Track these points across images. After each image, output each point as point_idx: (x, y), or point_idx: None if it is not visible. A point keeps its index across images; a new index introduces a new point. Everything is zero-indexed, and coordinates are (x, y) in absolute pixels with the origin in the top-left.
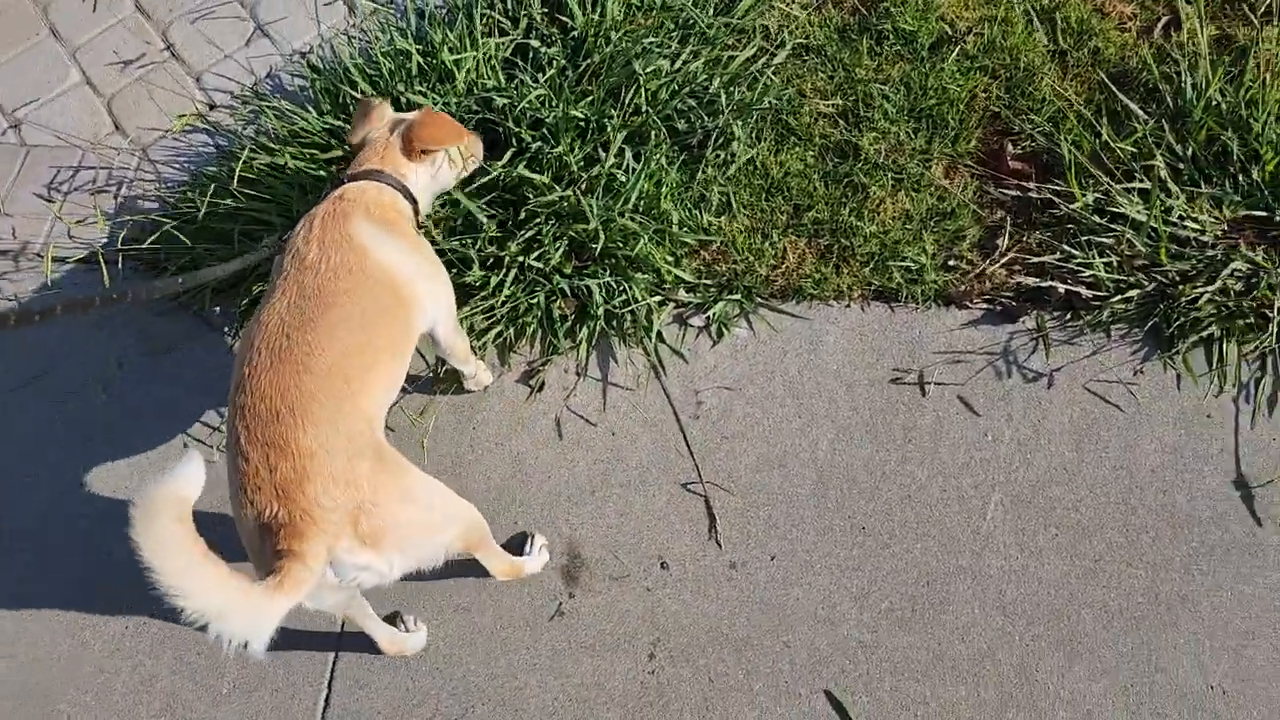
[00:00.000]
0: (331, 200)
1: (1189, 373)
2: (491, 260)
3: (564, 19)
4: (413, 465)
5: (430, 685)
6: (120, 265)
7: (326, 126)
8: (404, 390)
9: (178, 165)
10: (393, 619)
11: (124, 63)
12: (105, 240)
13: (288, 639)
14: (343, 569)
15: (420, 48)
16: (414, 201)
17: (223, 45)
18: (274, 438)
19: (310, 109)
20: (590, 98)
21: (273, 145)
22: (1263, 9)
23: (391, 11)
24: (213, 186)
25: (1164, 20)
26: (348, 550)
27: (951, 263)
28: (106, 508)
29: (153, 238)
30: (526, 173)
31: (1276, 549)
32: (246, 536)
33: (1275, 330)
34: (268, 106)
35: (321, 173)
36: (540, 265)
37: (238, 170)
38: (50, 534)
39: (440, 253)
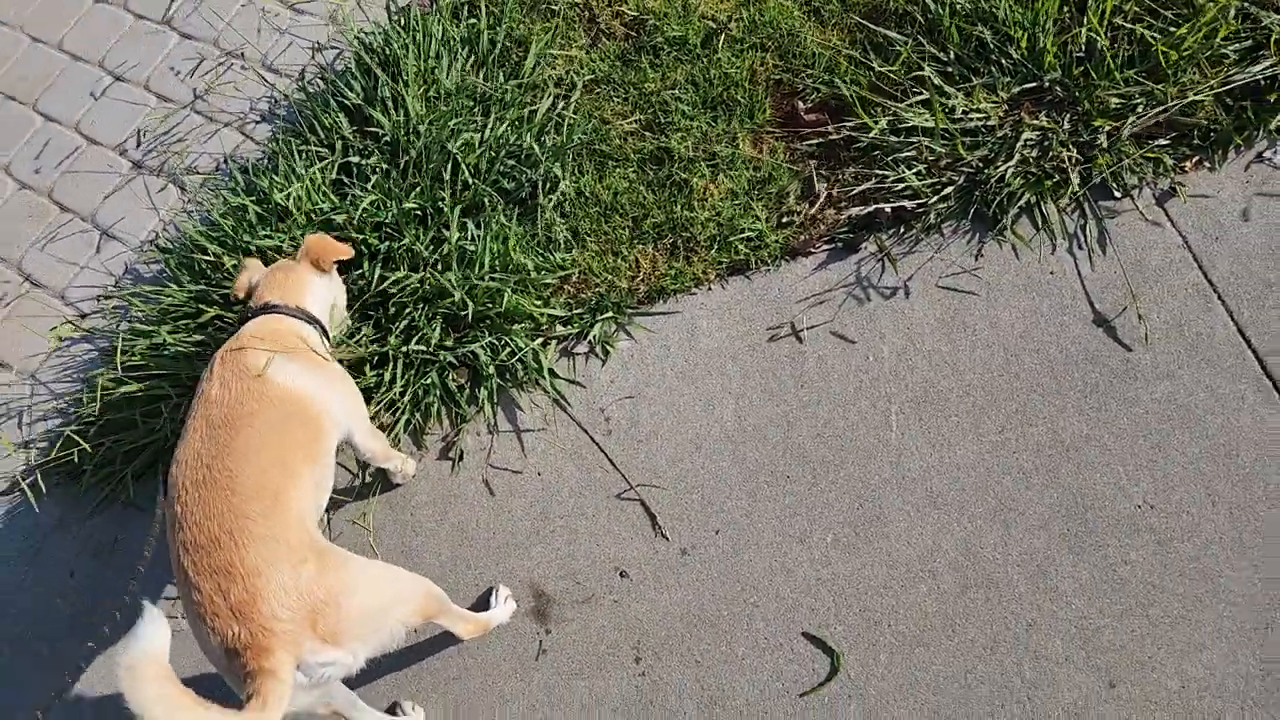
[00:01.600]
0: (231, 339)
1: (1021, 241)
2: (377, 359)
3: (374, 129)
4: (352, 554)
5: None
6: (41, 483)
7: (191, 295)
8: (338, 500)
9: (68, 378)
10: (393, 710)
11: None
12: (23, 468)
13: None
14: (311, 670)
15: (253, 198)
16: (317, 324)
17: (76, 259)
18: (219, 564)
19: (172, 285)
20: (419, 188)
21: (148, 328)
22: None
23: (218, 176)
24: (100, 385)
25: None
26: (312, 652)
27: (785, 220)
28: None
29: (59, 447)
30: (381, 272)
31: (1150, 365)
32: (215, 661)
33: (1078, 178)
34: (131, 295)
35: (198, 337)
36: (423, 348)
37: (119, 362)
38: None
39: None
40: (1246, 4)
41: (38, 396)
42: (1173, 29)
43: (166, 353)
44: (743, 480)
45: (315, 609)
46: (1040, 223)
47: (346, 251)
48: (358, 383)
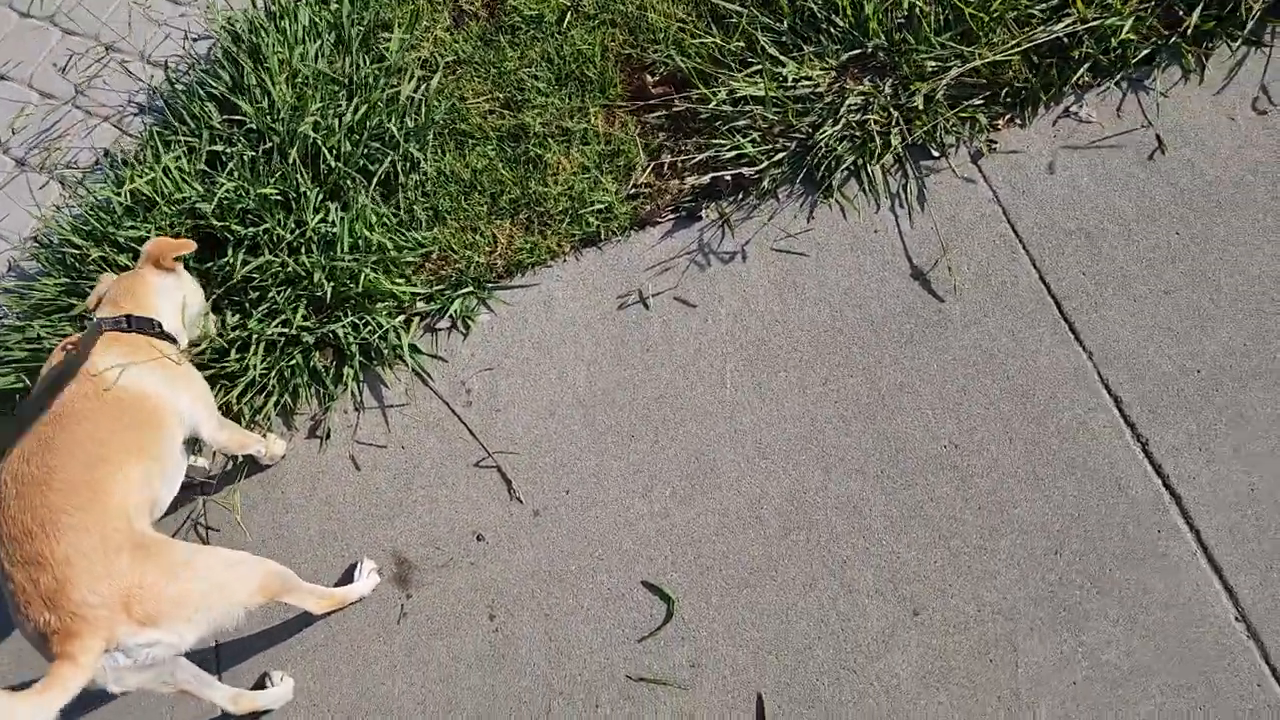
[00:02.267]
0: (73, 339)
1: (848, 202)
2: (240, 342)
3: (240, 118)
4: (183, 544)
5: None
6: None
7: (61, 288)
8: (207, 484)
9: None
10: (261, 681)
11: None
12: None
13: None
14: (132, 651)
15: (118, 191)
16: (159, 330)
17: None
18: (30, 555)
19: (43, 279)
20: (280, 173)
21: (21, 323)
22: None
23: (96, 171)
24: None
25: None
26: (129, 635)
27: (633, 191)
28: None
29: None
30: (245, 257)
31: (960, 315)
32: (34, 646)
33: (898, 140)
34: (3, 290)
35: (68, 329)
36: (285, 330)
37: None
38: None
39: (200, 352)
40: None
41: None
42: None
43: (41, 345)
44: (592, 442)
45: (129, 594)
46: (865, 184)
47: (187, 245)
48: (221, 368)
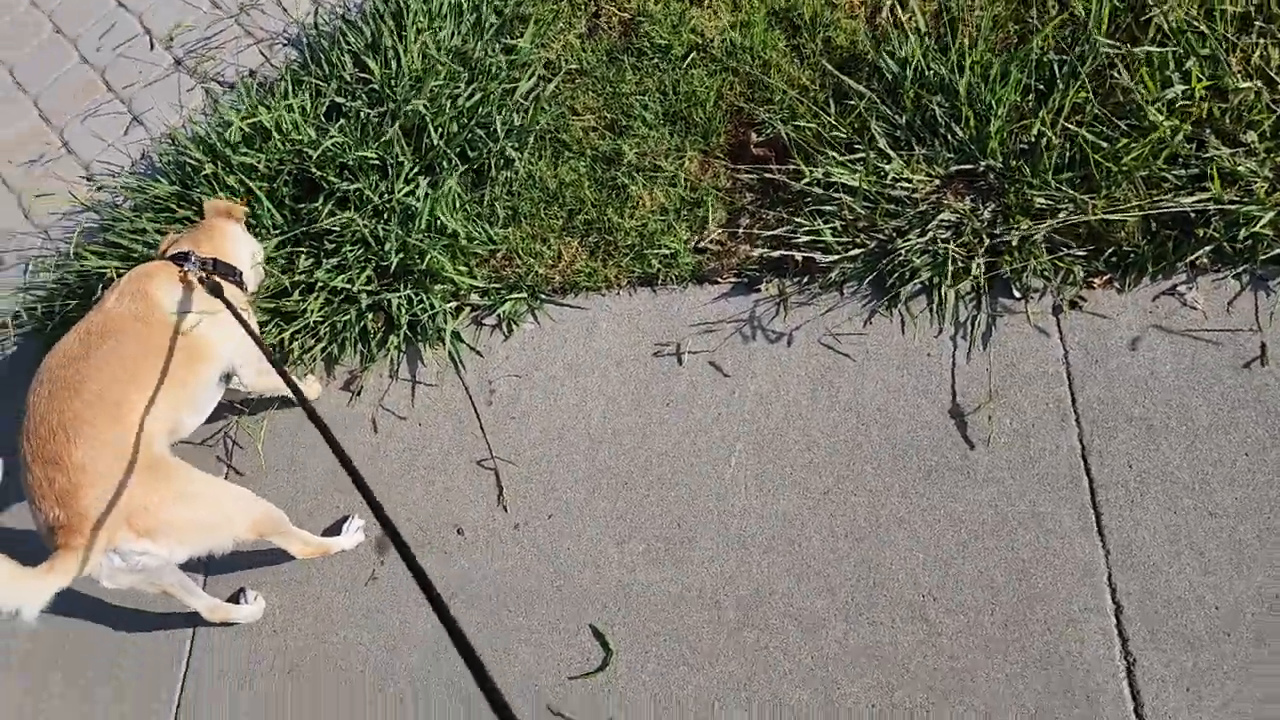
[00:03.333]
0: (145, 265)
1: (910, 317)
2: (304, 286)
3: (367, 76)
4: (193, 473)
5: (269, 645)
6: (26, 325)
7: (173, 192)
8: (240, 410)
9: (72, 241)
10: (236, 596)
11: (29, 162)
12: (15, 310)
13: (156, 621)
14: (126, 556)
15: (241, 116)
16: (239, 277)
17: (106, 137)
18: (51, 455)
19: (163, 180)
20: (385, 139)
21: (133, 215)
22: None
23: (238, 90)
24: (87, 254)
25: (890, 2)
26: (125, 542)
27: (702, 245)
28: None
29: (43, 302)
30: (331, 208)
31: (986, 468)
32: (41, 535)
33: (982, 269)
34: (123, 186)
35: (168, 230)
36: (348, 286)
37: (94, 243)
38: None
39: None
40: (1203, 131)
41: (45, 249)
42: (1119, 141)
43: (144, 239)
44: (587, 476)
45: (133, 508)
46: (934, 304)
47: (243, 206)
48: (281, 305)
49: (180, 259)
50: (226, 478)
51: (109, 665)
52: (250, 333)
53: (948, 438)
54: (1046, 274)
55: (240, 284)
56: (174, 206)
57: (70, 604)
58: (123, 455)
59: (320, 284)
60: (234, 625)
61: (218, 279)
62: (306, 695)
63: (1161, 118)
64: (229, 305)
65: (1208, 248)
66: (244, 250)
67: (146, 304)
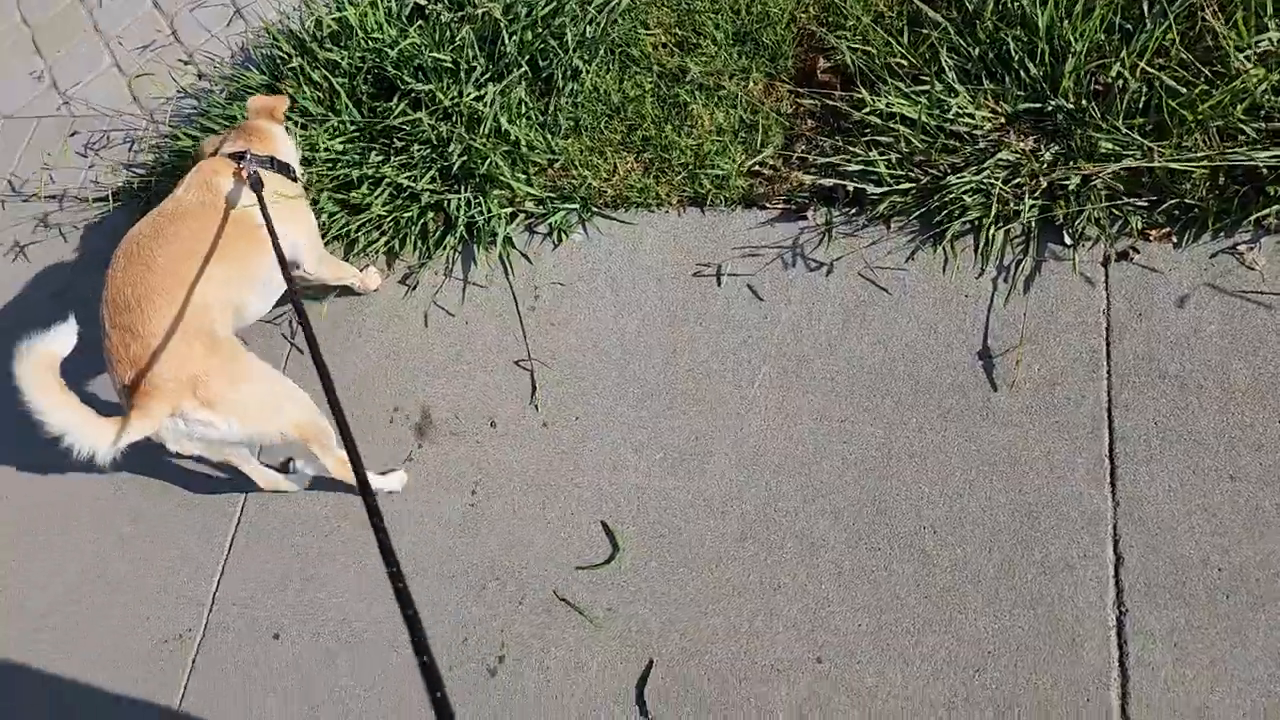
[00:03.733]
0: (212, 160)
1: (954, 256)
2: (371, 181)
3: None
4: (257, 360)
5: (313, 507)
6: (118, 200)
7: (263, 83)
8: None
9: (173, 124)
10: (285, 465)
11: (141, 48)
12: (120, 185)
13: (216, 482)
14: (189, 422)
15: (329, 10)
16: (285, 169)
17: (211, 28)
18: (127, 323)
19: (254, 70)
20: (460, 43)
21: (225, 103)
22: None
23: None
24: (183, 136)
25: None
26: (190, 409)
27: (755, 169)
28: None
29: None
30: (403, 107)
31: (1005, 410)
32: (117, 395)
33: (1035, 212)
34: (220, 76)
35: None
36: (412, 185)
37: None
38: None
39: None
40: None
41: (149, 132)
42: (1198, 86)
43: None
44: (616, 385)
45: (197, 379)
46: (980, 244)
47: (285, 101)
48: (348, 198)
49: (238, 157)
50: (289, 355)
51: (170, 515)
52: (271, 232)
53: (972, 378)
54: (1102, 222)
55: (294, 177)
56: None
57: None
58: (190, 329)
59: (387, 180)
60: (283, 493)
61: (260, 173)
62: (338, 550)
63: (1249, 66)
64: (261, 202)
65: (1278, 206)
66: (286, 147)
67: (212, 194)
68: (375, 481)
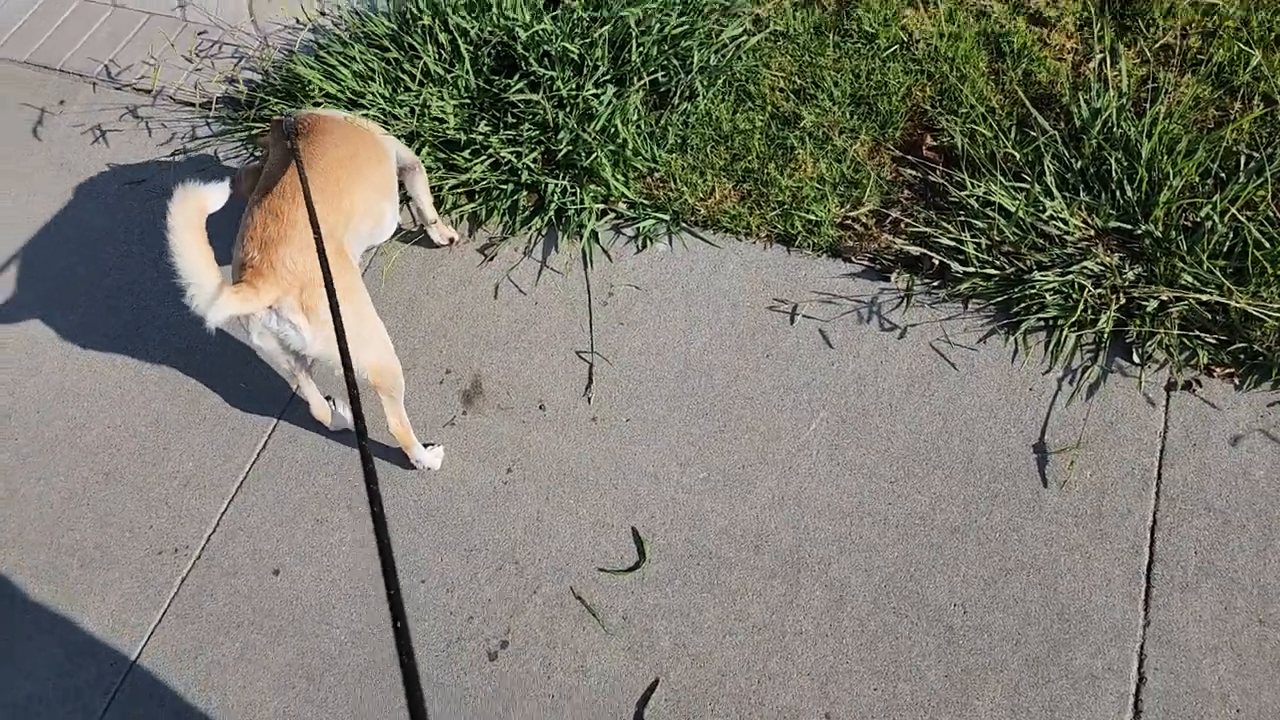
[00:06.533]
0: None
1: (1025, 349)
2: (475, 149)
3: None
4: (365, 291)
5: (340, 450)
6: (212, 110)
7: (388, 31)
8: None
9: (285, 51)
10: (329, 398)
11: None
12: (218, 95)
13: (250, 403)
14: (280, 320)
15: None
16: None
17: None
18: (274, 207)
19: (381, 18)
20: (586, 40)
21: (346, 43)
22: (1191, 59)
23: None
24: (298, 64)
25: (1100, 56)
26: (289, 308)
27: (848, 223)
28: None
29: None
30: (522, 86)
31: (1054, 508)
32: (233, 269)
33: (1109, 325)
34: (349, 12)
35: (376, 63)
36: (513, 160)
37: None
38: (83, 291)
39: (449, 140)
40: None
41: (259, 53)
42: None
43: (352, 66)
44: (672, 396)
45: (310, 281)
46: (1052, 343)
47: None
48: (449, 158)
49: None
50: None
51: (193, 426)
52: (301, 171)
53: (1025, 469)
54: (1171, 348)
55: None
56: (386, 45)
57: (176, 361)
58: (327, 232)
59: (492, 151)
60: (315, 426)
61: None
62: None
63: None
64: (296, 155)
65: None
66: None
67: (342, 119)
68: (416, 453)
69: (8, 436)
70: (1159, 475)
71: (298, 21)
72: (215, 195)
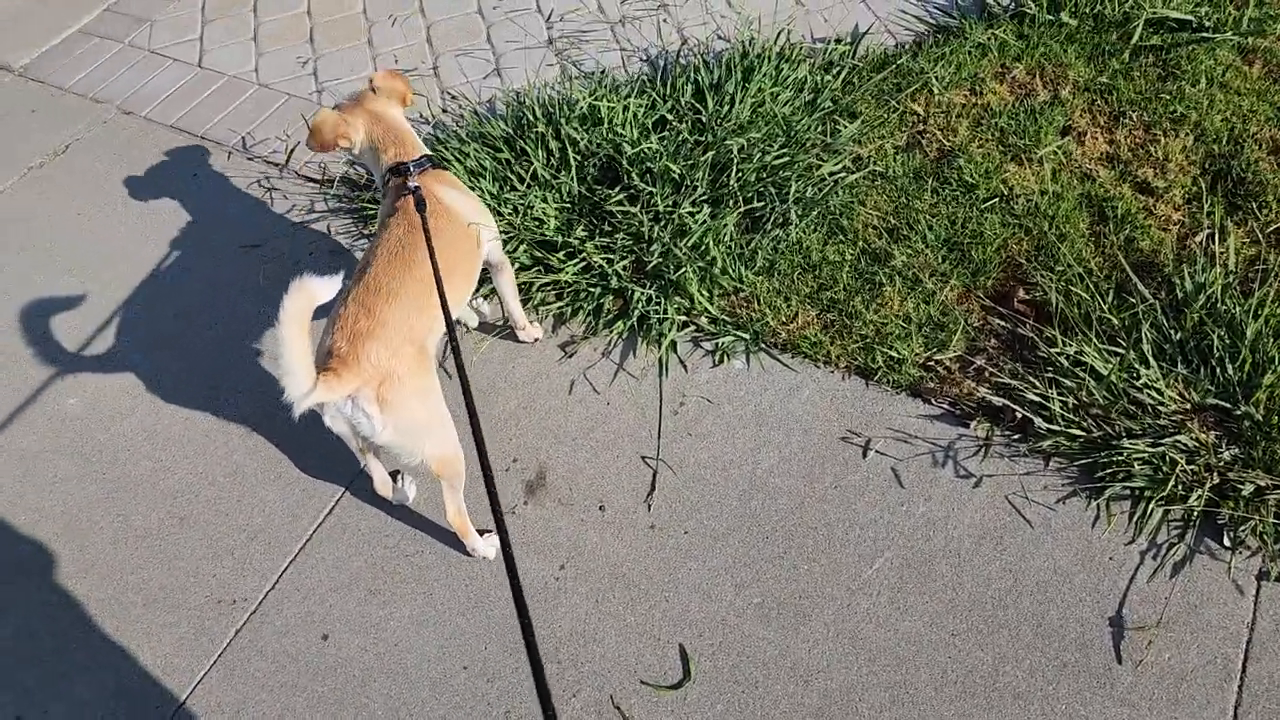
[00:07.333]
0: (417, 177)
1: (1108, 516)
2: (570, 251)
3: (700, 108)
4: (439, 386)
5: (402, 525)
6: (332, 187)
7: (503, 134)
8: (471, 330)
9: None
10: (394, 475)
11: (403, 70)
12: (339, 175)
13: (323, 469)
14: (355, 408)
15: (585, 98)
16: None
17: (469, 75)
18: (369, 304)
19: (499, 121)
20: (689, 162)
21: (462, 140)
22: None
23: (584, 78)
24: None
25: (1208, 232)
26: (365, 399)
27: (930, 364)
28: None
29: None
30: (620, 197)
31: (1126, 688)
32: (319, 355)
33: (1201, 504)
34: (470, 112)
35: (489, 161)
36: (604, 265)
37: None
38: (187, 341)
39: (546, 241)
40: None
41: None
42: None
43: (465, 164)
44: (734, 514)
45: (389, 375)
46: (1137, 515)
47: (408, 82)
48: (545, 258)
49: (400, 170)
50: None
51: (267, 483)
52: (428, 239)
53: (1098, 642)
54: (1265, 536)
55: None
56: (499, 146)
57: (258, 422)
58: (413, 331)
59: (585, 255)
60: (382, 500)
61: (424, 198)
62: (411, 575)
63: None
64: (424, 223)
65: None
66: (413, 130)
67: (441, 205)
68: (472, 541)
69: (98, 471)
70: (1244, 668)
71: (421, 116)
72: (326, 289)
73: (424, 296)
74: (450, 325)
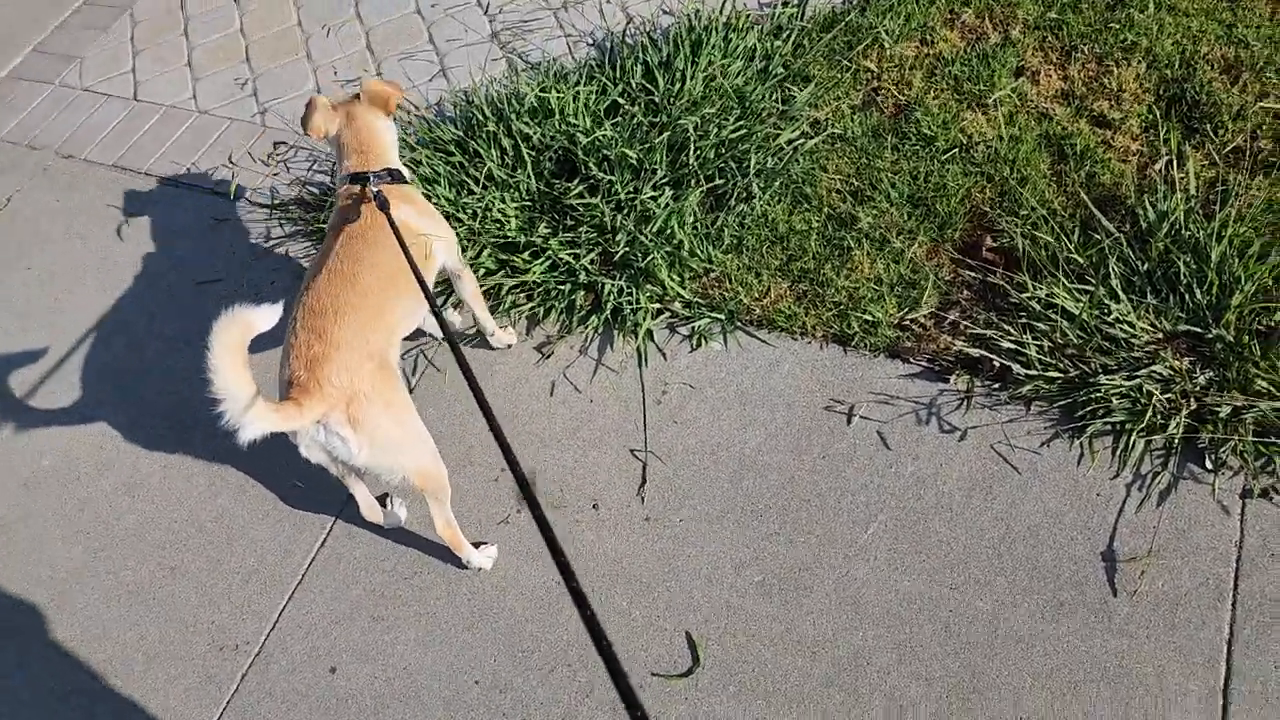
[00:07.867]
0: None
1: (1091, 453)
2: (535, 250)
3: (651, 89)
4: (408, 397)
5: (397, 549)
6: (286, 211)
7: (455, 137)
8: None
9: None
10: (384, 498)
11: (344, 81)
12: (292, 197)
13: (309, 500)
14: (329, 430)
15: (533, 91)
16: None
17: (414, 78)
18: (318, 327)
19: (449, 125)
20: (645, 145)
21: (414, 146)
22: (1263, 162)
23: (531, 70)
24: None
25: (1166, 159)
26: (336, 421)
27: (906, 324)
28: None
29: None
30: (580, 189)
31: (1123, 619)
32: (280, 387)
33: (1180, 430)
34: (417, 117)
35: (441, 167)
36: (571, 261)
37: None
38: (153, 386)
39: (509, 242)
40: None
41: (330, 158)
42: None
43: (418, 170)
44: (726, 496)
45: (355, 395)
46: (1119, 448)
47: (399, 91)
48: (509, 260)
49: (360, 179)
50: (412, 392)
51: (256, 522)
52: (404, 247)
53: (1093, 577)
54: (1246, 455)
55: (405, 179)
56: (452, 150)
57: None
58: (369, 346)
59: (550, 252)
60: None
61: (386, 197)
62: (412, 597)
63: None
64: (393, 225)
65: None
66: (395, 148)
67: (379, 216)
68: (466, 554)
69: (81, 530)
70: (1235, 586)
71: None
72: (264, 318)
73: (373, 310)
74: (446, 328)
